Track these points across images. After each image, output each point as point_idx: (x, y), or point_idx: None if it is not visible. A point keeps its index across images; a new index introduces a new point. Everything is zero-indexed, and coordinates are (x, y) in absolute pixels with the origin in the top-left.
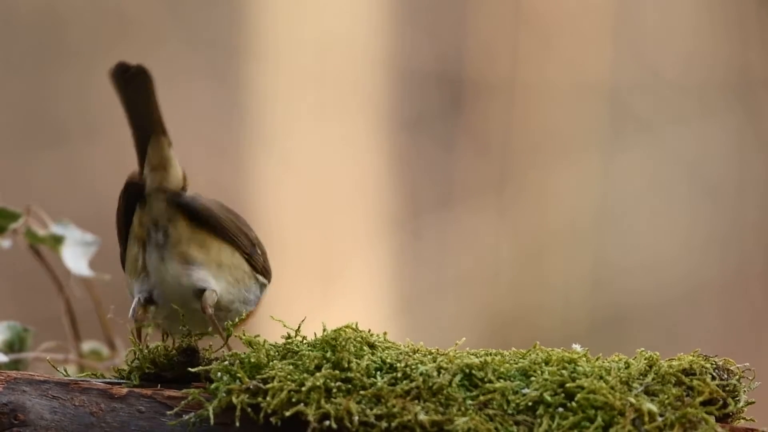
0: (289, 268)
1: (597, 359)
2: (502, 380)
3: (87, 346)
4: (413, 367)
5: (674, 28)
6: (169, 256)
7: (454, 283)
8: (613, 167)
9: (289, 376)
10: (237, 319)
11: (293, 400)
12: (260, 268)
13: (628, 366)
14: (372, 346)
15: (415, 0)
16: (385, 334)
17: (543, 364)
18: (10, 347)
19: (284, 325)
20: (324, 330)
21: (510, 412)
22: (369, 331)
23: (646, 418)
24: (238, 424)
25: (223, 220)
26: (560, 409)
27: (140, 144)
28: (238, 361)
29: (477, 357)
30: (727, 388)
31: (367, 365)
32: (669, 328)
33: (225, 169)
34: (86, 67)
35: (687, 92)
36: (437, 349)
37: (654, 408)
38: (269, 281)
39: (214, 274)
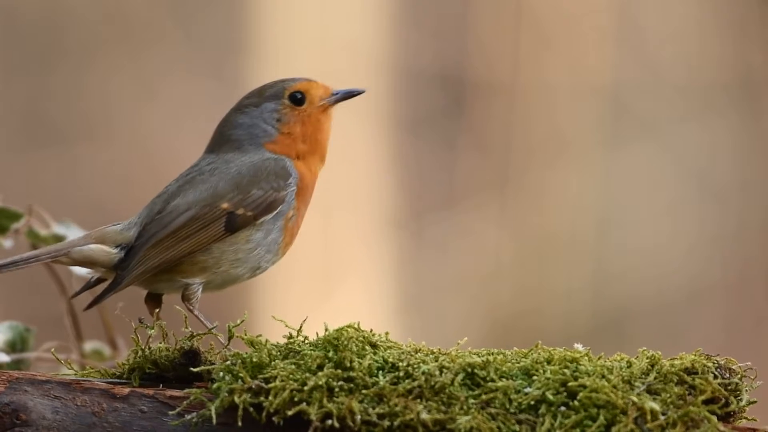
0: (290, 267)
1: (599, 358)
2: (504, 379)
3: (89, 346)
4: (415, 366)
5: (676, 29)
6: None
7: (456, 283)
8: (614, 168)
9: (291, 376)
10: (240, 321)
11: (295, 399)
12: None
13: (630, 365)
14: (374, 345)
15: (417, 1)
16: (386, 333)
17: (545, 363)
18: (12, 347)
19: (286, 325)
20: (326, 330)
21: (512, 410)
22: (371, 330)
23: (649, 417)
24: (240, 423)
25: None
26: (562, 408)
27: None
28: (240, 361)
29: (479, 356)
30: (729, 387)
31: (369, 365)
32: (671, 327)
33: None
34: (88, 67)
35: (689, 93)
36: (439, 349)
37: (656, 406)
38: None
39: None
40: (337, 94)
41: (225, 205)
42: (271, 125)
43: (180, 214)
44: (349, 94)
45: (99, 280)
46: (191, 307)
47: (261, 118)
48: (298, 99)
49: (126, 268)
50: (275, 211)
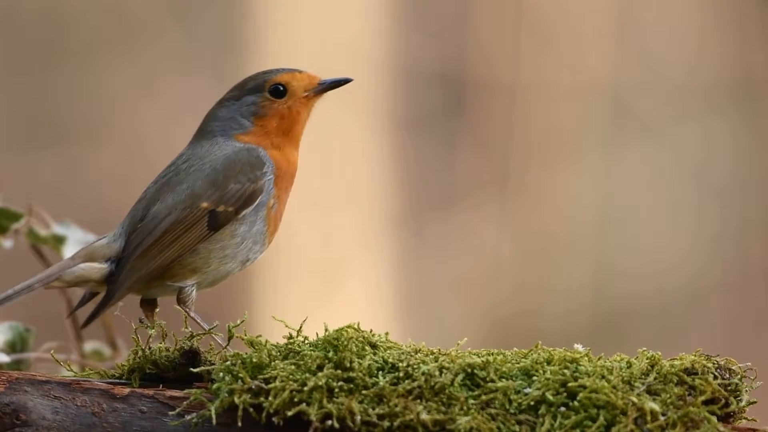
0: (290, 267)
1: (599, 359)
2: (504, 380)
3: (89, 346)
4: (415, 366)
5: (676, 28)
6: None
7: (456, 283)
8: (615, 167)
9: (291, 376)
10: (240, 321)
11: (295, 399)
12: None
13: (630, 365)
14: (374, 346)
15: (417, 1)
16: (386, 334)
17: (545, 364)
18: (12, 347)
19: (286, 326)
20: (326, 330)
21: (512, 411)
22: (371, 331)
23: (649, 417)
24: (240, 424)
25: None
26: (562, 409)
27: None
28: (240, 361)
29: (479, 357)
30: (729, 388)
31: (369, 365)
32: (671, 327)
33: None
34: (88, 67)
35: (689, 92)
36: (439, 349)
37: (656, 407)
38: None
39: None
40: (323, 83)
41: (205, 204)
42: (247, 118)
43: (161, 219)
44: (336, 84)
45: (93, 294)
46: (187, 309)
47: (239, 112)
48: (279, 91)
49: (116, 282)
50: (255, 203)
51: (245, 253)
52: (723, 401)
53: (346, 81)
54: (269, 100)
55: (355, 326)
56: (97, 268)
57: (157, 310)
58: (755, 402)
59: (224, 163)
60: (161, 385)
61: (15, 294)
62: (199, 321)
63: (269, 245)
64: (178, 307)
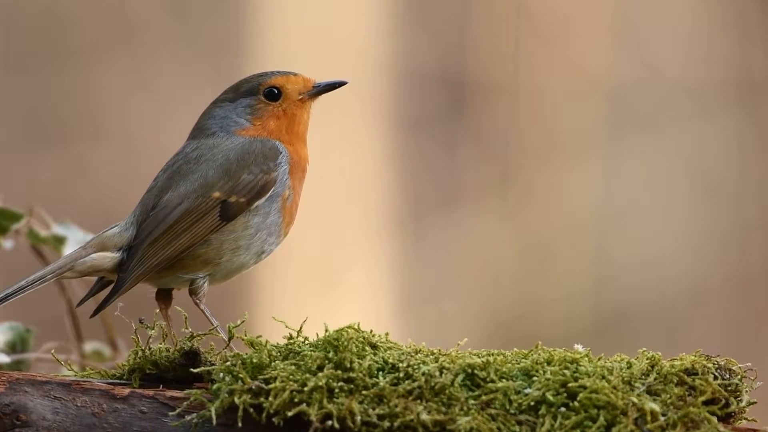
0: (291, 268)
1: (599, 359)
2: (504, 380)
3: (89, 346)
4: (415, 367)
5: (675, 28)
6: None
7: (457, 284)
8: (614, 167)
9: (291, 377)
10: (240, 322)
11: (295, 400)
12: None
13: (630, 366)
14: (374, 346)
15: (417, 1)
16: (387, 334)
17: (545, 364)
18: (12, 348)
19: (286, 326)
20: (326, 330)
21: (512, 411)
22: (371, 331)
23: (649, 418)
24: (240, 424)
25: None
26: (562, 409)
27: None
28: (240, 362)
29: (479, 357)
30: (729, 388)
31: (370, 365)
32: (671, 328)
33: None
34: (90, 68)
35: (688, 92)
36: (439, 350)
37: (656, 407)
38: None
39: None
40: (318, 86)
41: (217, 194)
42: (244, 118)
43: (173, 208)
44: (331, 86)
45: (103, 285)
46: (198, 301)
47: (234, 112)
48: (274, 94)
49: (126, 270)
50: (268, 194)
51: (259, 244)
52: (723, 401)
53: (341, 84)
54: (264, 103)
55: (356, 326)
56: (109, 257)
57: (169, 308)
58: (755, 402)
59: (238, 153)
60: (161, 386)
61: (27, 285)
62: (208, 315)
63: (285, 237)
64: (179, 307)
